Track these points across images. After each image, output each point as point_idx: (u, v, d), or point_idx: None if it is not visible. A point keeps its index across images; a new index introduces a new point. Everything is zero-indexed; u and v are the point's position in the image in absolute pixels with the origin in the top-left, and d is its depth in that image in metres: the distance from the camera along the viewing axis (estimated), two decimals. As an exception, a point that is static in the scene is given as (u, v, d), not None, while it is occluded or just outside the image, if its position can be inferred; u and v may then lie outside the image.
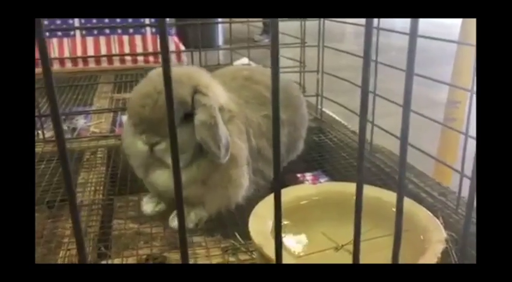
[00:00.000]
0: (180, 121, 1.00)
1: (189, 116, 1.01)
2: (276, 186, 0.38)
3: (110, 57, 2.86)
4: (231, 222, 1.12)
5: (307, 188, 1.01)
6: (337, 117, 1.85)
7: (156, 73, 1.05)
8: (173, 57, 3.13)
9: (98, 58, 2.91)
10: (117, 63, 2.93)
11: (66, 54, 2.99)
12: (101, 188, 1.32)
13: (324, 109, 1.78)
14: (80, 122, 1.97)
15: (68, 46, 3.00)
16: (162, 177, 1.06)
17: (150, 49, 3.07)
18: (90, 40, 3.02)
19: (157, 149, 1.01)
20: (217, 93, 1.10)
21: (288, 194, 1.05)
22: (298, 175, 1.45)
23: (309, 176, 1.46)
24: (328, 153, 1.56)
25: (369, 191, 1.05)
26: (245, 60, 2.67)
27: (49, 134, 1.77)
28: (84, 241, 0.38)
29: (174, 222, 1.09)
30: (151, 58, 3.07)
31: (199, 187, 1.07)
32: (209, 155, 1.01)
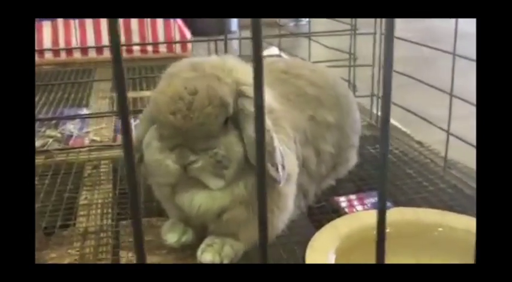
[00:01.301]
0: (221, 128, 1.00)
1: (231, 121, 1.01)
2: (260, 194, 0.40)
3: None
4: (275, 256, 1.10)
5: (370, 216, 1.01)
6: (397, 124, 1.82)
7: (186, 65, 1.04)
8: (178, 47, 3.15)
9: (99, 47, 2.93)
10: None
11: (61, 41, 3.02)
12: (109, 210, 1.33)
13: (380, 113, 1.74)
14: (73, 127, 1.97)
15: (63, 31, 3.03)
16: (197, 199, 1.05)
17: (161, 38, 3.10)
18: (90, 24, 3.04)
19: (194, 167, 1.00)
20: (266, 93, 1.09)
21: (350, 223, 1.05)
22: (342, 198, 1.42)
23: (353, 197, 1.43)
24: (389, 169, 1.55)
25: (453, 220, 1.04)
26: (274, 50, 2.67)
27: (38, 143, 1.80)
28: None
29: (205, 255, 1.08)
30: (163, 48, 3.09)
31: (244, 210, 1.06)
32: None
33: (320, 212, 1.32)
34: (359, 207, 1.36)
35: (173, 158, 0.99)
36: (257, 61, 0.36)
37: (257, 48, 0.35)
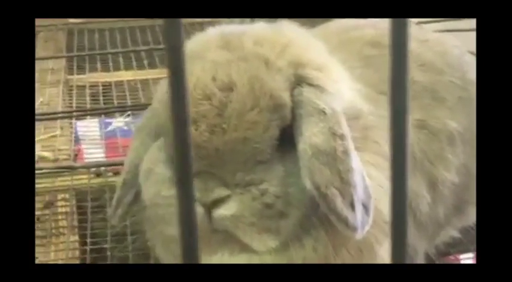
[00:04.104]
0: (273, 147, 0.98)
1: (289, 134, 0.99)
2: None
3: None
4: None
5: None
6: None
7: (214, 39, 1.05)
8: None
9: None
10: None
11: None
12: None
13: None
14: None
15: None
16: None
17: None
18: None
19: (222, 213, 0.97)
20: (340, 81, 1.06)
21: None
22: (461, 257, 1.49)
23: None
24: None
25: None
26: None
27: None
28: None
29: None
30: None
31: None
32: (332, 220, 0.98)
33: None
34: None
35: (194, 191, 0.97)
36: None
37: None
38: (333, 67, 1.07)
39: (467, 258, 1.44)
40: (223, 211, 0.97)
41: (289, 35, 1.08)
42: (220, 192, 0.96)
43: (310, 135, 0.98)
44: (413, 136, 1.23)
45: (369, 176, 1.03)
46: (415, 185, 1.21)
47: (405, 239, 0.43)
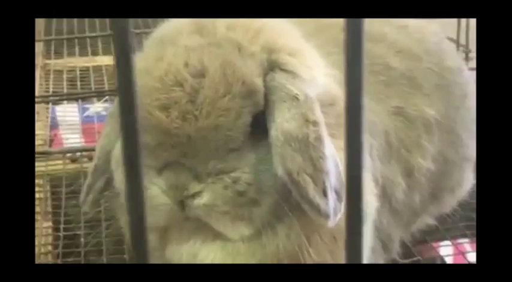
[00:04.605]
0: (246, 134, 0.97)
1: (262, 120, 0.98)
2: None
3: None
4: None
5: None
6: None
7: (187, 25, 1.03)
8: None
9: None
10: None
11: None
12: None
13: None
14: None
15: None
16: (203, 255, 1.04)
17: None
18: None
19: (196, 203, 0.97)
20: (315, 66, 1.05)
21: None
22: (444, 245, 1.47)
23: (464, 241, 1.47)
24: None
25: None
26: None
27: None
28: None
29: None
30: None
31: None
32: (305, 208, 0.98)
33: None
34: (472, 258, 1.38)
35: (162, 186, 0.97)
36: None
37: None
38: (308, 52, 1.06)
39: (446, 245, 1.44)
40: (195, 201, 0.96)
41: (262, 20, 1.06)
42: (193, 187, 0.96)
43: (282, 122, 0.97)
44: (389, 123, 1.23)
45: (342, 163, 1.01)
46: (391, 172, 1.21)
47: (359, 221, 0.43)
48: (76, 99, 2.06)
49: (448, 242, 1.44)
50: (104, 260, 1.36)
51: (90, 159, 1.64)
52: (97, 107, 2.08)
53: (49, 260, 1.40)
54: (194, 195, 0.96)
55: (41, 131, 1.88)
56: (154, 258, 1.09)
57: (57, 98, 2.07)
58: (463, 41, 1.99)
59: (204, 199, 0.96)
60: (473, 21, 1.90)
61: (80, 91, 2.15)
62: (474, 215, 1.44)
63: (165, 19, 1.09)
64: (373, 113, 1.20)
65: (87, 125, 1.96)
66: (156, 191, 0.97)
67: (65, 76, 2.25)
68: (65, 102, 2.09)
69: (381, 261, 1.24)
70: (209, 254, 1.04)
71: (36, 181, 1.61)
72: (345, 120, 0.43)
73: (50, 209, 1.53)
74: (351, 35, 0.43)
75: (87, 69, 2.29)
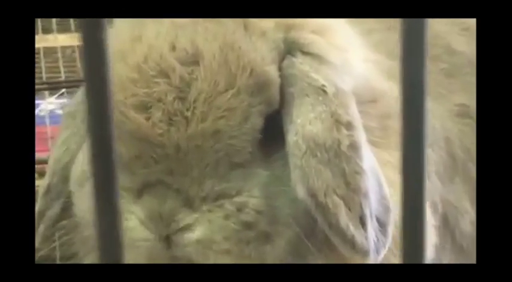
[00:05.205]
0: (254, 146, 0.78)
1: (277, 129, 0.79)
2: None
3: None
4: None
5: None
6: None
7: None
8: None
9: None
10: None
11: None
12: None
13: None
14: None
15: None
16: None
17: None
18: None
19: (187, 239, 0.78)
20: (349, 48, 0.86)
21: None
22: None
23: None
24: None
25: None
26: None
27: None
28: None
29: None
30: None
31: None
32: (335, 241, 0.80)
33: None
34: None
35: (141, 216, 0.77)
36: None
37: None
38: (339, 29, 0.88)
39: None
40: (186, 235, 0.78)
41: None
42: (182, 218, 0.78)
43: (305, 123, 0.79)
44: (452, 128, 1.04)
45: (389, 182, 0.83)
46: (454, 195, 1.03)
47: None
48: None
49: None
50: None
51: (41, 175, 1.21)
52: (49, 104, 1.74)
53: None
54: (184, 229, 0.77)
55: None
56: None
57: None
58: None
59: (197, 233, 0.77)
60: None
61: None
62: None
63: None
64: (430, 114, 1.05)
65: (36, 129, 1.69)
66: (134, 222, 0.79)
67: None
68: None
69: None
70: None
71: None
72: (401, 127, 0.35)
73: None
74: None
75: (36, 51, 1.88)
